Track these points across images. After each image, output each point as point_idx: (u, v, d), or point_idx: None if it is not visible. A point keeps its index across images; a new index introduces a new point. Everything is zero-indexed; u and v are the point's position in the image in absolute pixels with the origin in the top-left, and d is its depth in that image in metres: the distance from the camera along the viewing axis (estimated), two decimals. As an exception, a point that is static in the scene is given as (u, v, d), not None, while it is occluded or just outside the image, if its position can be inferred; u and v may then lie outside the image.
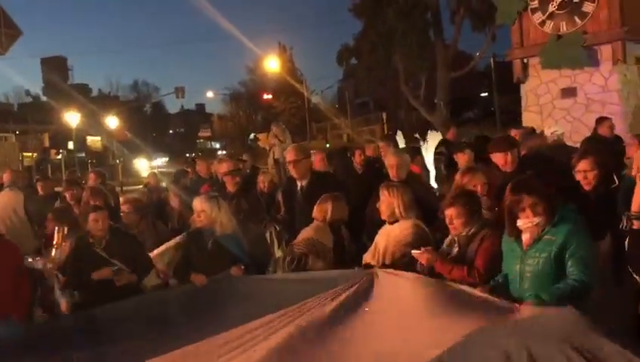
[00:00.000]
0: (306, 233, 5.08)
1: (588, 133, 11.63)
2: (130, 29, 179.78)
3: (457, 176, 4.99)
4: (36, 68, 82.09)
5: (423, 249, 4.05)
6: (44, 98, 69.37)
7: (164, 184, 10.94)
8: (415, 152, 8.14)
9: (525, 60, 13.21)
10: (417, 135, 13.64)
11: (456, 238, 4.10)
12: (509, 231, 3.69)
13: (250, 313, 4.19)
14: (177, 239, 5.72)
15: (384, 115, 33.38)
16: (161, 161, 54.40)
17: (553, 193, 3.61)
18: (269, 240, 6.88)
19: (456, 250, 4.07)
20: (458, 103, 34.36)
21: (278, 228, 6.90)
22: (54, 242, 5.59)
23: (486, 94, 54.40)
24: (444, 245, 4.18)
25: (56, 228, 5.73)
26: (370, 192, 6.47)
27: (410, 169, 6.10)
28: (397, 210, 4.61)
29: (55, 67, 73.35)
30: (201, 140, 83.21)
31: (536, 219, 3.55)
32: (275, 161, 13.50)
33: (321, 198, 5.22)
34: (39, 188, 8.34)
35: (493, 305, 3.47)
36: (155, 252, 5.59)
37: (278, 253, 6.76)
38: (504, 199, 3.67)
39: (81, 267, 5.00)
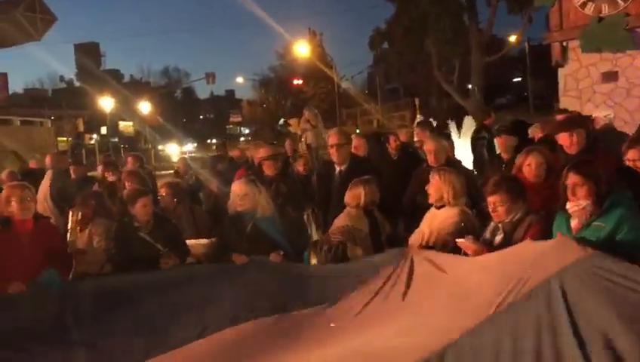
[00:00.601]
0: (340, 220, 5.01)
1: (629, 119, 11.34)
2: (160, 15, 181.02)
3: (517, 159, 4.88)
4: (69, 54, 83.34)
5: (467, 238, 3.94)
6: (77, 83, 70.46)
7: (193, 169, 11.02)
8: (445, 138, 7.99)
9: (564, 43, 12.83)
10: (450, 121, 13.44)
11: (500, 225, 3.99)
12: (561, 211, 3.59)
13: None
14: (207, 241, 5.71)
15: (416, 101, 33.00)
16: (191, 146, 54.95)
17: (605, 178, 3.48)
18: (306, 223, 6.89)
19: (500, 237, 3.94)
20: (490, 89, 33.86)
21: (315, 211, 6.88)
22: (68, 227, 5.67)
23: (519, 79, 53.59)
24: (487, 232, 4.06)
25: (70, 212, 5.81)
26: (405, 178, 6.40)
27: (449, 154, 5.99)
28: (445, 196, 4.53)
29: (88, 53, 74.41)
30: (231, 126, 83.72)
31: (583, 203, 3.45)
32: (308, 146, 13.43)
33: (351, 184, 5.15)
34: (72, 172, 8.44)
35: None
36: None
37: (316, 236, 6.74)
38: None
39: (127, 251, 4.97)
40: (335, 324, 3.90)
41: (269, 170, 6.43)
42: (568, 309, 2.84)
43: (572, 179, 3.49)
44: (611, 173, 3.59)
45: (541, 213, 3.92)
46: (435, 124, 12.63)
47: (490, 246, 3.93)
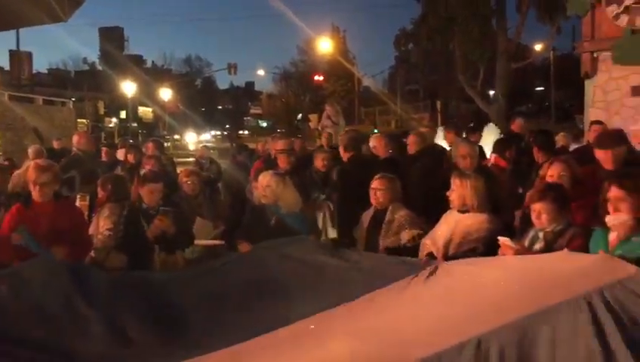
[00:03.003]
0: None
1: (657, 135, 11.11)
2: (185, 3, 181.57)
3: (544, 168, 4.79)
4: (93, 36, 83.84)
5: (510, 240, 3.83)
6: (99, 67, 70.86)
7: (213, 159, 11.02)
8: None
9: (595, 54, 12.63)
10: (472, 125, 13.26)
11: (540, 234, 3.88)
12: (600, 224, 3.48)
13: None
14: (214, 242, 5.67)
15: (438, 104, 32.79)
16: (209, 135, 55.12)
17: None
18: (321, 221, 6.79)
19: (540, 245, 3.84)
20: (512, 96, 33.55)
21: (332, 208, 6.79)
22: None
23: (541, 89, 53.15)
24: (526, 240, 3.94)
25: (78, 197, 5.77)
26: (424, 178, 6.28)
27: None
28: (469, 201, 4.43)
29: (112, 37, 74.81)
30: (249, 118, 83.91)
31: (623, 216, 3.33)
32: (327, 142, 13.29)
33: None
34: (104, 155, 8.50)
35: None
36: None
37: (332, 234, 6.66)
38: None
39: (134, 233, 4.99)
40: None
41: (282, 163, 6.43)
42: (617, 321, 2.69)
43: (614, 192, 3.37)
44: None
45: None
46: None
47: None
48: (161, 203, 5.08)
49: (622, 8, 11.95)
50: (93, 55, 77.75)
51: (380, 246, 4.83)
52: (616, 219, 3.36)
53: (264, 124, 76.30)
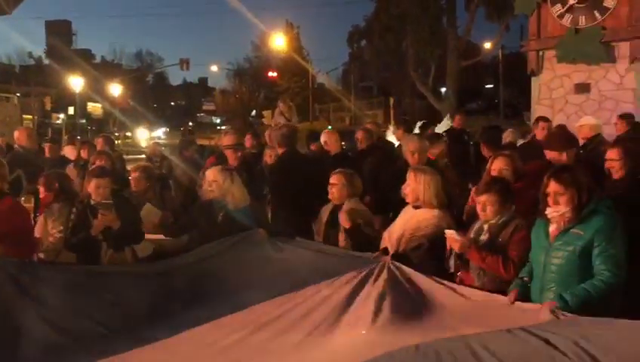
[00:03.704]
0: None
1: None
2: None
3: (489, 162, 4.91)
4: (40, 30, 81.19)
5: (456, 233, 3.91)
6: (46, 61, 68.73)
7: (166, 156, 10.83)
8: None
9: (540, 52, 13.01)
10: (421, 122, 13.48)
11: (485, 226, 3.99)
12: (542, 216, 3.60)
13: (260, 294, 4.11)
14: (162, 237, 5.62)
15: (391, 101, 33.16)
16: (161, 132, 54.18)
17: (587, 186, 3.49)
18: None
19: (485, 237, 3.95)
20: (463, 93, 34.23)
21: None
22: None
23: (490, 86, 54.38)
24: (472, 232, 4.05)
25: (22, 198, 5.60)
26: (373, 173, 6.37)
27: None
28: (421, 196, 4.47)
29: (59, 31, 72.75)
30: (203, 114, 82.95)
31: (561, 209, 3.46)
32: (281, 139, 13.28)
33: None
34: (47, 151, 8.26)
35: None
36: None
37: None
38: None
39: (83, 232, 4.88)
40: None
41: (230, 158, 6.47)
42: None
43: (553, 187, 3.49)
44: (594, 181, 3.59)
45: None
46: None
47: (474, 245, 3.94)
48: (110, 198, 4.96)
49: (566, 8, 12.35)
50: (39, 49, 75.17)
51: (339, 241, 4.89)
52: (556, 211, 3.49)
53: (217, 121, 75.56)
